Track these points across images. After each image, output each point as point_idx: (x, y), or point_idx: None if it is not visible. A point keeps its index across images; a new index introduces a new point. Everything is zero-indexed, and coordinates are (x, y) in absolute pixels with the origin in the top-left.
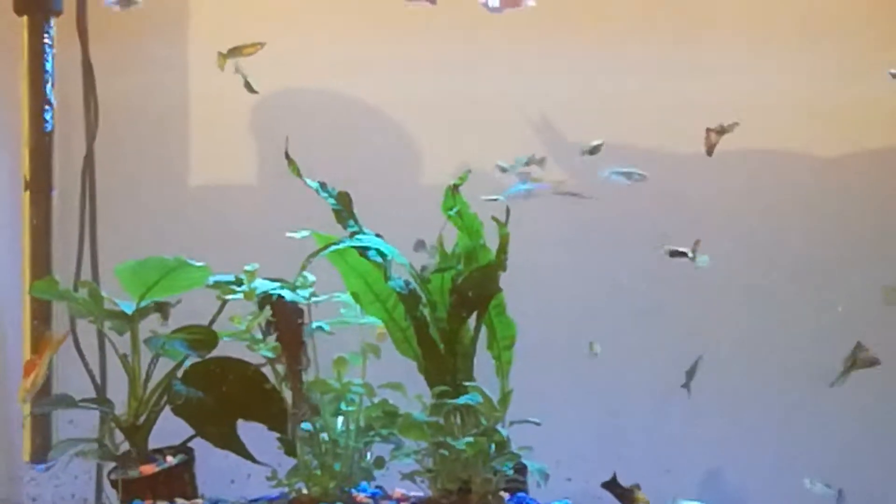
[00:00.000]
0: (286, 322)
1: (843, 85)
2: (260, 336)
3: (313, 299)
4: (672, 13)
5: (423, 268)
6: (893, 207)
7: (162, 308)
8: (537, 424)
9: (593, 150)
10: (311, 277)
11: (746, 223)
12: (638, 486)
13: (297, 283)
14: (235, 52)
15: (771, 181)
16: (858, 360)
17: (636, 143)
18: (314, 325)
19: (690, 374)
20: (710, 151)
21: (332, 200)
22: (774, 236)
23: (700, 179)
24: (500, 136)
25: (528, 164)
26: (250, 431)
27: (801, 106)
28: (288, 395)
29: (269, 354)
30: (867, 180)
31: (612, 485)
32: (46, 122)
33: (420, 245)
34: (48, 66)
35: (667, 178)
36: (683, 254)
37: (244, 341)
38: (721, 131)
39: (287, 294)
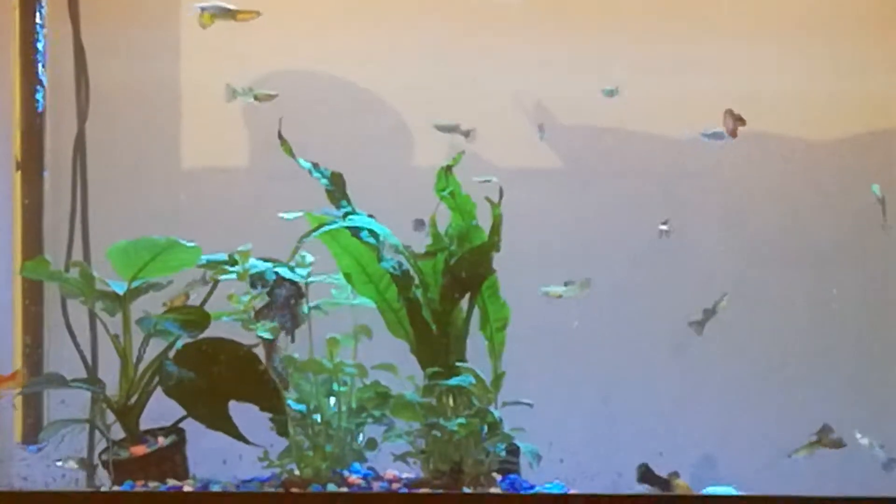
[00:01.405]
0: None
1: (838, 77)
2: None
3: (310, 279)
4: (668, 7)
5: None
6: (887, 196)
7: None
8: (530, 406)
9: (611, 93)
10: (310, 257)
11: (741, 212)
12: (676, 474)
13: (295, 262)
14: (228, 15)
15: (766, 170)
16: (823, 441)
17: (633, 130)
18: (309, 305)
19: (710, 313)
20: (733, 133)
21: (325, 181)
22: (769, 224)
23: (695, 169)
24: (495, 120)
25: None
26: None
27: (796, 98)
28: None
29: (265, 335)
30: (861, 169)
31: (647, 476)
32: (38, 102)
33: (419, 224)
34: (40, 47)
35: (661, 167)
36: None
37: (238, 321)
38: (737, 118)
39: (283, 272)
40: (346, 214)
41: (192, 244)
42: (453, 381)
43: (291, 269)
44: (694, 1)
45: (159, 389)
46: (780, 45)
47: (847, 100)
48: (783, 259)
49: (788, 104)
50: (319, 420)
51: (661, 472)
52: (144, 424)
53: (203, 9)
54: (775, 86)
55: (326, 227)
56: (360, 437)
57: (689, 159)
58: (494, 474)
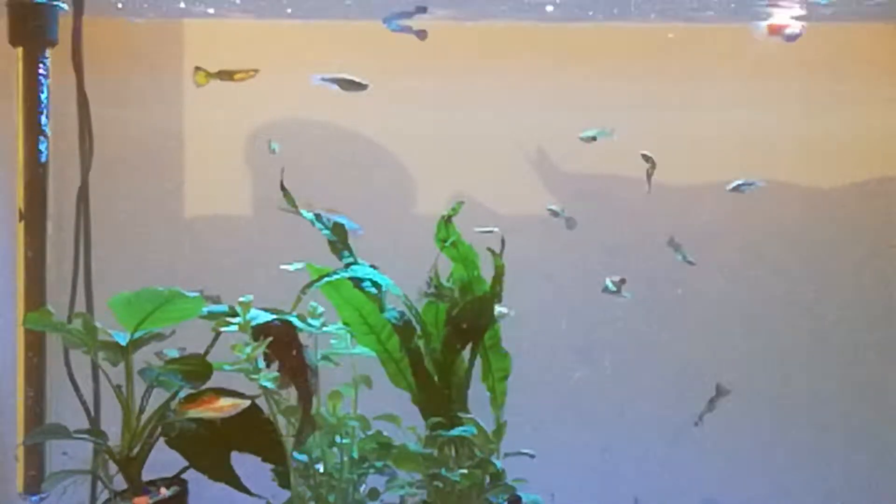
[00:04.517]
0: (286, 348)
1: (832, 118)
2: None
3: (324, 329)
4: (664, 50)
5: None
6: (883, 238)
7: None
8: (532, 457)
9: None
10: (321, 308)
11: (739, 256)
12: None
13: (308, 313)
14: (225, 74)
15: (763, 213)
16: None
17: (630, 175)
18: (319, 354)
19: (709, 406)
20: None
21: (327, 232)
22: (767, 269)
23: (693, 212)
24: (496, 168)
25: None
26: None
27: (792, 139)
28: (282, 424)
29: (269, 385)
30: (857, 211)
31: None
32: (41, 152)
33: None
34: (43, 97)
35: (661, 210)
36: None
37: (241, 372)
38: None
39: (293, 321)
40: (348, 265)
41: (194, 295)
42: (455, 432)
43: (303, 320)
44: (695, 43)
45: (162, 440)
46: (782, 87)
47: (851, 143)
48: (786, 307)
49: (786, 146)
50: (322, 470)
51: None
52: (147, 475)
53: (198, 68)
54: (772, 127)
55: (329, 278)
56: (363, 488)
57: (691, 206)
58: None
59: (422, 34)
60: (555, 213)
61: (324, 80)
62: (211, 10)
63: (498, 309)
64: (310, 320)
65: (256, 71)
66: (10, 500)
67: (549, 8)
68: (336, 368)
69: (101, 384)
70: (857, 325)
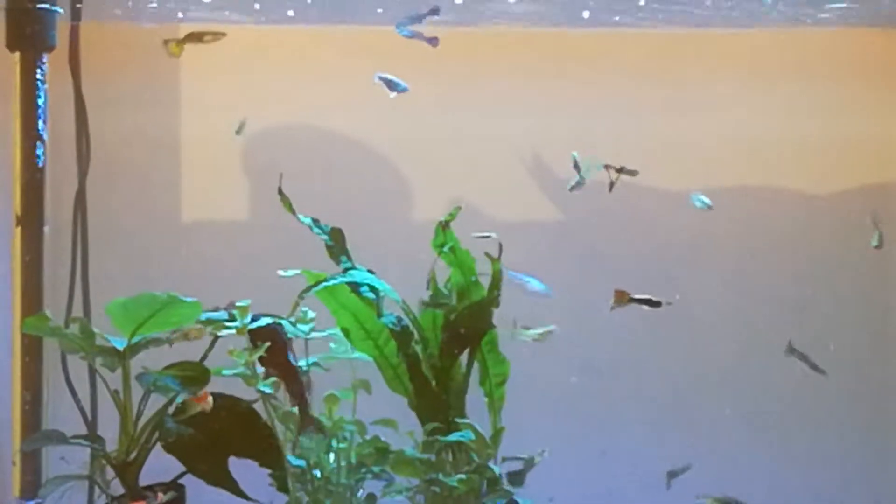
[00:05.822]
0: (274, 351)
1: (832, 123)
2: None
3: (312, 335)
4: (663, 54)
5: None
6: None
7: None
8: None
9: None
10: (312, 313)
11: (737, 261)
12: None
13: (297, 318)
14: (194, 37)
15: (761, 218)
16: None
17: (628, 181)
18: (310, 360)
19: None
20: (610, 188)
21: (325, 237)
22: (765, 274)
23: (691, 217)
24: (493, 174)
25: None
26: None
27: (791, 143)
28: (280, 429)
29: (267, 389)
30: (854, 215)
31: None
32: (38, 157)
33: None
34: (40, 102)
35: (659, 216)
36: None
37: (239, 377)
38: (620, 170)
39: (283, 324)
40: (345, 270)
41: (191, 300)
42: (453, 437)
43: (293, 325)
44: (694, 46)
45: (159, 445)
46: (779, 91)
47: (849, 147)
48: (783, 313)
49: (785, 151)
50: (319, 475)
51: None
52: (144, 480)
53: (166, 41)
54: (770, 132)
55: (326, 283)
56: (360, 493)
57: (687, 210)
58: None
59: (434, 41)
60: (576, 165)
61: (380, 78)
62: (208, 15)
63: (546, 328)
64: (299, 325)
65: (223, 34)
66: None
67: (586, 14)
68: (335, 374)
69: (98, 389)
70: (854, 328)
